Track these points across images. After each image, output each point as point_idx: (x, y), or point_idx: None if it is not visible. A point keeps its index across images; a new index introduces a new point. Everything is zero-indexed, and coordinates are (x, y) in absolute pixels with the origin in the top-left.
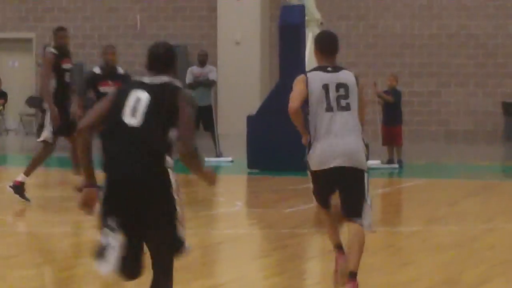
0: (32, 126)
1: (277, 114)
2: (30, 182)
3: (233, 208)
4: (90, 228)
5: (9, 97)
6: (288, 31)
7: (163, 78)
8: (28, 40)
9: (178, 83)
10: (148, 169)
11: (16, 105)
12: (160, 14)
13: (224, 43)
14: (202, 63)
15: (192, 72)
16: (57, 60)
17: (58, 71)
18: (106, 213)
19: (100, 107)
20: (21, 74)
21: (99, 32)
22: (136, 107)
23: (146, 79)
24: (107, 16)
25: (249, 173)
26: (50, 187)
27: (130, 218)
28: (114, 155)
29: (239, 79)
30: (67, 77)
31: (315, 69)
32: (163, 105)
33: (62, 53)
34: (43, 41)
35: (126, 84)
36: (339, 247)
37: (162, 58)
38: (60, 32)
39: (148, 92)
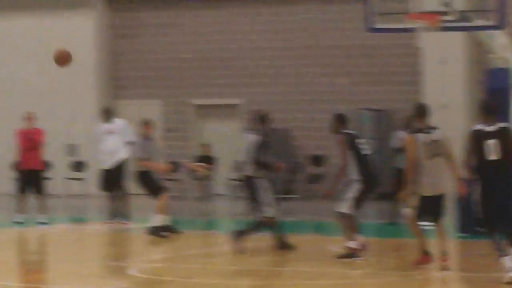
0: (239, 191)
1: None
2: None
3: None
4: None
5: (217, 162)
6: (493, 95)
7: (499, 124)
8: (235, 106)
9: (507, 125)
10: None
11: (224, 170)
12: (364, 78)
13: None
14: (408, 127)
15: (398, 136)
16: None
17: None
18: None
19: (468, 149)
20: (229, 140)
21: (304, 97)
22: (492, 149)
23: (488, 128)
24: (313, 81)
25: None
26: None
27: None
28: (486, 178)
29: None
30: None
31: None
32: (506, 143)
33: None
34: (250, 107)
35: (477, 134)
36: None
37: (494, 109)
38: None
39: (494, 138)
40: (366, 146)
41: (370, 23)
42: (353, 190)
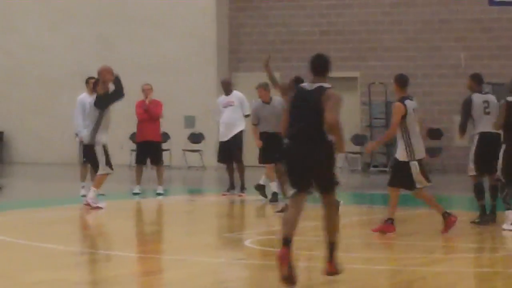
0: (357, 163)
1: None
2: None
3: None
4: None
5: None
6: None
7: None
8: (353, 79)
9: None
10: None
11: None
12: (484, 52)
13: None
14: None
15: None
16: None
17: None
18: None
19: None
20: (346, 113)
21: (422, 71)
22: None
23: None
24: (430, 55)
25: None
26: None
27: None
28: None
29: None
30: None
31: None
32: None
33: None
34: (367, 80)
35: None
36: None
37: None
38: None
39: None
40: None
41: None
42: None
